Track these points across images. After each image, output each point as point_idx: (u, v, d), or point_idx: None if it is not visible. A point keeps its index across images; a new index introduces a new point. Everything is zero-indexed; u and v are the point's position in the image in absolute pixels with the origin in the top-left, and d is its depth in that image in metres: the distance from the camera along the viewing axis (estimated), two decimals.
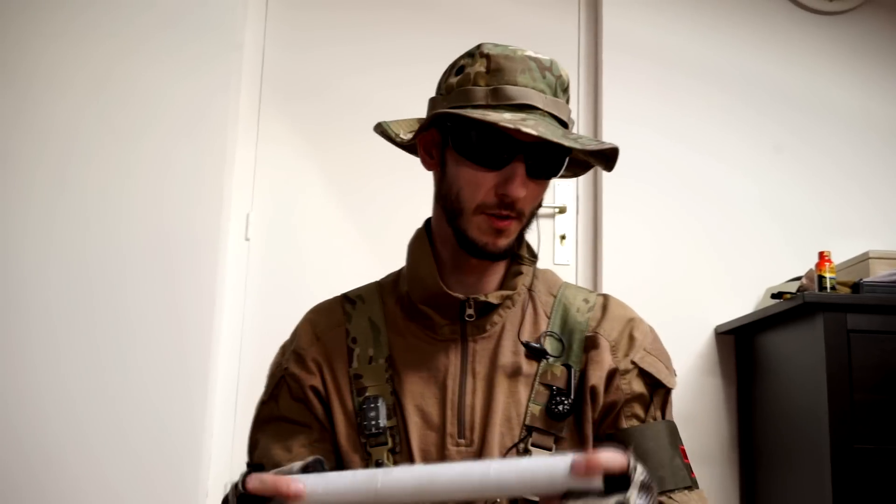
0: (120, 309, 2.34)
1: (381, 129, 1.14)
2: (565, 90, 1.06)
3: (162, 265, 2.36)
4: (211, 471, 2.30)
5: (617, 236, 2.60)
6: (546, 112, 1.02)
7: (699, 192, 2.65)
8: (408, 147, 1.18)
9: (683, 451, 1.08)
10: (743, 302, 2.56)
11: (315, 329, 1.14)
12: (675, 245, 2.62)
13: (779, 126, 2.73)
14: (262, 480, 0.77)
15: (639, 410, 1.08)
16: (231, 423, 2.39)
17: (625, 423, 1.07)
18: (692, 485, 1.06)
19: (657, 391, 1.09)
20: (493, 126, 0.99)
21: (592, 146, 1.01)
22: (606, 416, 1.07)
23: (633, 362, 1.09)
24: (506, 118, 0.97)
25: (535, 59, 1.04)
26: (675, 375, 1.13)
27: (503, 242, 1.05)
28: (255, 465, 0.78)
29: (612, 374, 1.07)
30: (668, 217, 2.63)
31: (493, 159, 1.01)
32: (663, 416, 1.10)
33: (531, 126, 0.95)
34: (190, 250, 2.38)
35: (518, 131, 0.96)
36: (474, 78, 1.03)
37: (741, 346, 2.53)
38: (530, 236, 1.15)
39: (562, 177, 1.18)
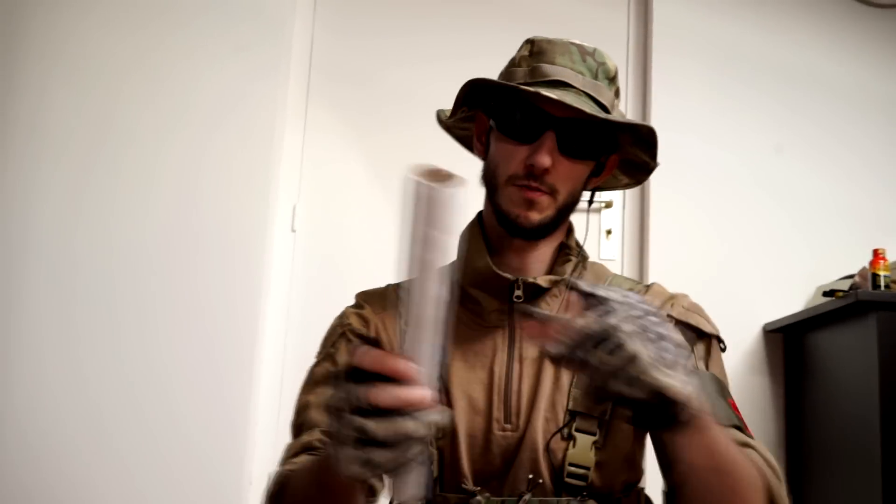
0: (164, 301, 2.36)
1: (438, 116, 1.20)
2: (611, 79, 1.09)
3: (208, 256, 2.38)
4: (255, 461, 2.32)
5: (663, 231, 2.56)
6: (582, 91, 1.04)
7: (748, 187, 2.61)
8: (467, 145, 1.23)
9: (734, 405, 1.06)
10: (792, 299, 2.51)
11: (373, 307, 1.15)
12: (723, 241, 2.58)
13: (834, 123, 2.67)
14: (372, 356, 0.67)
15: None
16: (276, 412, 2.41)
17: None
18: (746, 432, 1.03)
19: (699, 342, 1.10)
20: (523, 97, 1.02)
21: (620, 120, 1.04)
22: None
23: (669, 315, 1.09)
24: (531, 88, 1.01)
25: (578, 45, 1.08)
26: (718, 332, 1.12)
27: (535, 216, 1.06)
28: (368, 338, 0.76)
29: None
30: (717, 213, 2.59)
31: (526, 133, 1.04)
32: (707, 368, 1.08)
33: (558, 95, 0.98)
34: (236, 241, 2.39)
35: (538, 95, 0.99)
36: (518, 61, 1.10)
37: (790, 344, 2.49)
38: (577, 231, 1.16)
39: (624, 186, 1.22)
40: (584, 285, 0.81)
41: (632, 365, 0.76)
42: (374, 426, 0.65)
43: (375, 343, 1.07)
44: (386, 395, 0.65)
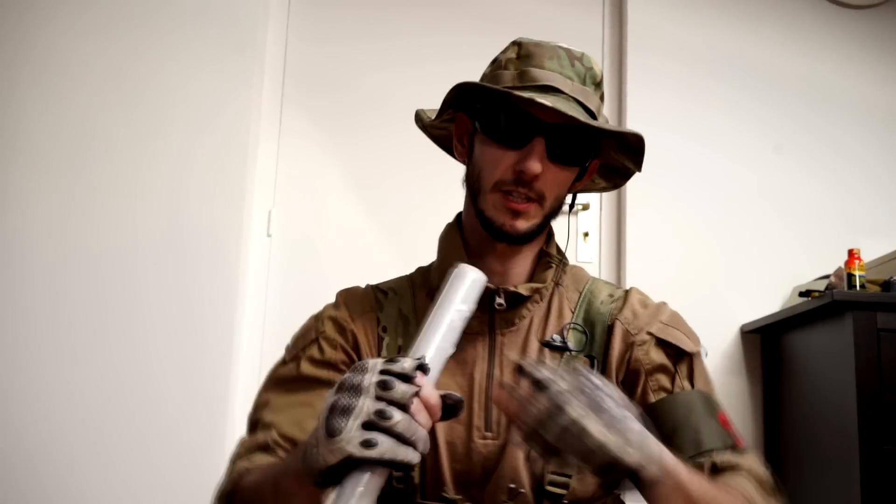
0: (139, 307, 2.33)
1: (417, 116, 1.17)
2: (597, 84, 1.07)
3: (183, 262, 2.36)
4: None
5: (640, 233, 2.57)
6: (571, 97, 1.03)
7: (724, 189, 2.62)
8: (443, 145, 1.21)
9: (724, 418, 1.05)
10: (769, 300, 2.53)
11: (351, 310, 1.12)
12: (700, 243, 2.58)
13: (808, 124, 2.69)
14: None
15: (665, 382, 1.06)
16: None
17: (653, 398, 1.05)
18: (737, 447, 1.02)
19: (681, 360, 1.08)
20: (512, 102, 1.01)
21: (611, 128, 1.03)
22: (631, 391, 1.05)
23: (649, 333, 1.07)
24: (524, 94, 0.99)
25: (566, 49, 1.06)
26: (701, 345, 1.11)
27: (521, 225, 1.04)
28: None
29: (628, 350, 1.07)
30: (693, 214, 2.60)
31: (514, 138, 1.02)
32: (692, 386, 1.07)
33: (550, 101, 0.97)
34: (211, 247, 2.38)
35: (532, 102, 0.98)
36: (505, 64, 1.07)
37: (767, 345, 2.50)
38: (558, 235, 1.15)
39: (601, 189, 1.21)
40: (531, 367, 0.82)
41: (583, 440, 0.79)
42: (398, 415, 0.71)
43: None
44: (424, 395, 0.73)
